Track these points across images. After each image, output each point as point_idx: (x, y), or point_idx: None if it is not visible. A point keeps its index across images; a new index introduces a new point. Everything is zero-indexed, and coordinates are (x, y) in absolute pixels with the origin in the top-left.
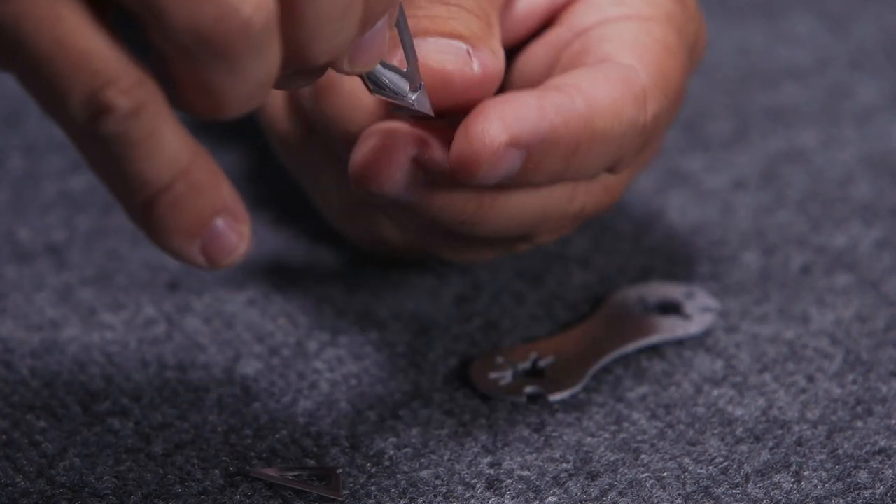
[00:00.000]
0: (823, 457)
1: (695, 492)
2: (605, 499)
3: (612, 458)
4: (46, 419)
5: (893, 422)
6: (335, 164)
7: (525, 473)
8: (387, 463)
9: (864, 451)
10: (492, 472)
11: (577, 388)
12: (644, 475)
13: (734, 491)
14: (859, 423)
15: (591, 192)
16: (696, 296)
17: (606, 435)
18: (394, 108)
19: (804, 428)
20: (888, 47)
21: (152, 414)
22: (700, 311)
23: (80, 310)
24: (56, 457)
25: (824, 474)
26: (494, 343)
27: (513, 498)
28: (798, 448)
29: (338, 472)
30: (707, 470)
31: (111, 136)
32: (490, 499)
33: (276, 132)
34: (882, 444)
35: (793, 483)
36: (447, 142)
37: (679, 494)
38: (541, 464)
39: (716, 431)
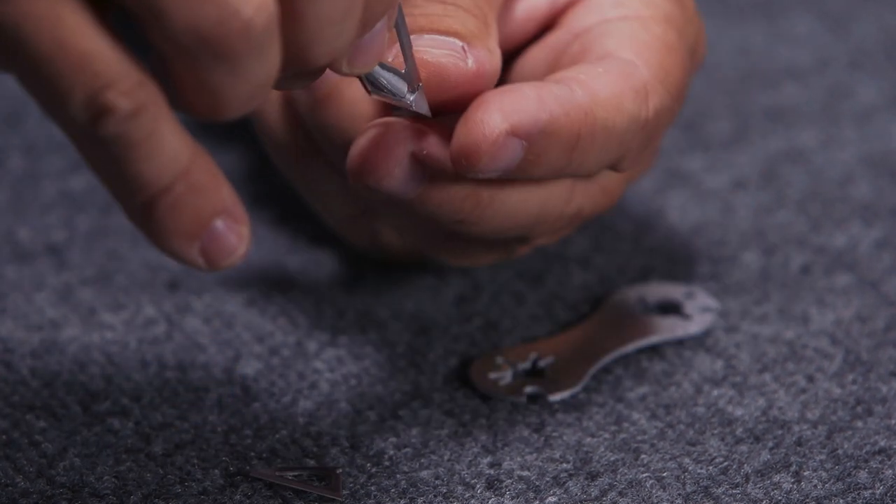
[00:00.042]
0: (823, 457)
1: (695, 492)
2: (605, 499)
3: (612, 458)
4: (46, 419)
5: (893, 422)
6: (334, 174)
7: (525, 473)
8: (387, 463)
9: (864, 451)
10: (492, 472)
11: (577, 388)
12: (644, 475)
13: (734, 491)
14: (859, 423)
15: (589, 193)
16: (696, 296)
17: (606, 435)
18: (392, 110)
19: (804, 428)
20: (888, 47)
21: (152, 414)
22: (700, 311)
23: (80, 310)
24: (56, 457)
25: (824, 474)
26: (494, 343)
27: (513, 498)
28: (798, 448)
29: (338, 472)
30: (707, 470)
31: (111, 138)
32: (490, 499)
33: (274, 142)
34: (882, 444)
35: (793, 483)
36: (445, 138)
37: (679, 494)
38: (541, 464)
39: (716, 431)
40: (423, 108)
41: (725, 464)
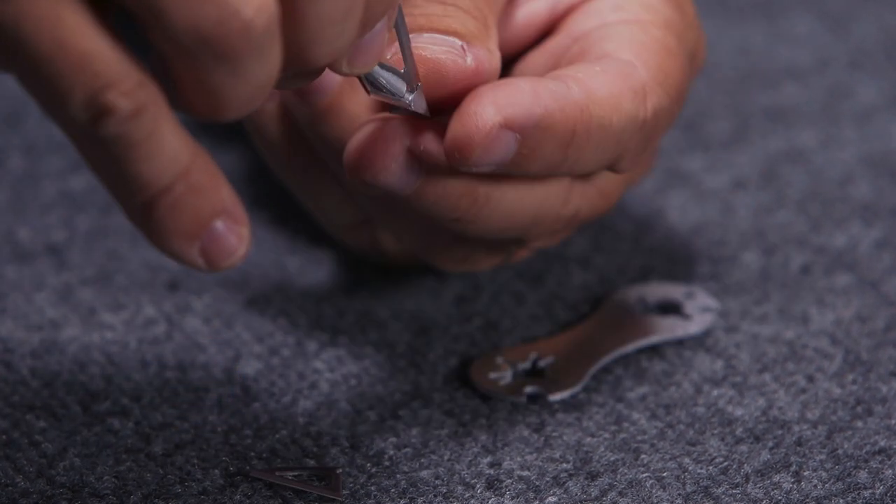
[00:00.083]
0: (823, 457)
1: (695, 492)
2: (605, 499)
3: (612, 458)
4: (46, 419)
5: (893, 422)
6: (335, 184)
7: (525, 473)
8: (387, 463)
9: (864, 451)
10: (492, 472)
11: (577, 388)
12: (644, 475)
13: (734, 491)
14: (859, 423)
15: (587, 195)
16: (696, 296)
17: (606, 435)
18: (391, 110)
19: (804, 428)
20: (888, 47)
21: (152, 414)
22: (700, 311)
23: (80, 310)
24: (56, 457)
25: (824, 474)
26: (494, 343)
27: (513, 498)
28: (798, 448)
29: (338, 472)
30: (707, 470)
31: (111, 138)
32: (490, 499)
33: (274, 153)
34: (882, 444)
35: (793, 483)
36: (441, 135)
37: (679, 494)
38: (541, 464)
39: (716, 431)
40: (422, 108)
41: (725, 464)
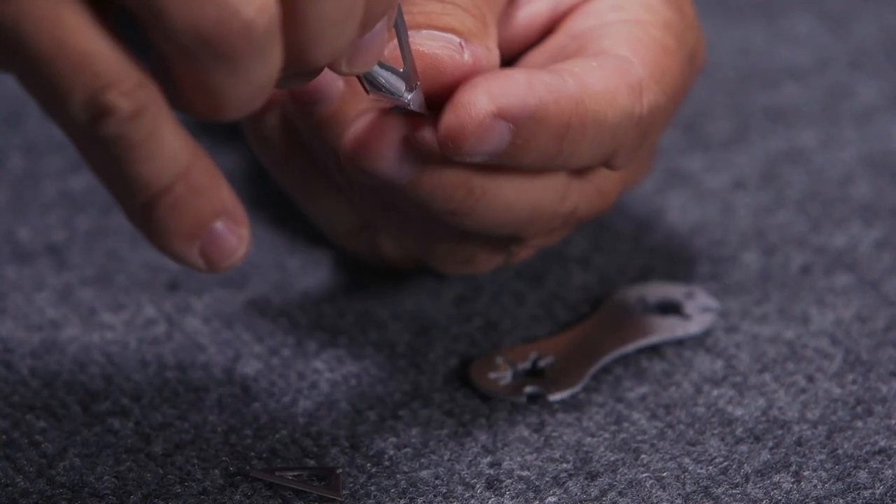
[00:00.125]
0: (823, 457)
1: (695, 492)
2: (604, 499)
3: (612, 458)
4: (46, 419)
5: (893, 422)
6: (335, 191)
7: (525, 473)
8: (387, 463)
9: (864, 451)
10: (492, 472)
11: (577, 388)
12: (644, 475)
13: (734, 491)
14: (859, 423)
15: (584, 192)
16: (696, 296)
17: (606, 435)
18: (392, 112)
19: (804, 428)
20: (888, 47)
21: (152, 414)
22: (700, 311)
23: (80, 310)
24: (56, 457)
25: (824, 474)
26: (494, 343)
27: (513, 498)
28: (798, 448)
29: (338, 472)
30: (707, 470)
31: (111, 138)
32: (490, 499)
33: (274, 158)
34: (882, 444)
35: (793, 483)
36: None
37: (679, 494)
38: (541, 464)
39: (716, 431)
40: (421, 107)
41: (725, 464)
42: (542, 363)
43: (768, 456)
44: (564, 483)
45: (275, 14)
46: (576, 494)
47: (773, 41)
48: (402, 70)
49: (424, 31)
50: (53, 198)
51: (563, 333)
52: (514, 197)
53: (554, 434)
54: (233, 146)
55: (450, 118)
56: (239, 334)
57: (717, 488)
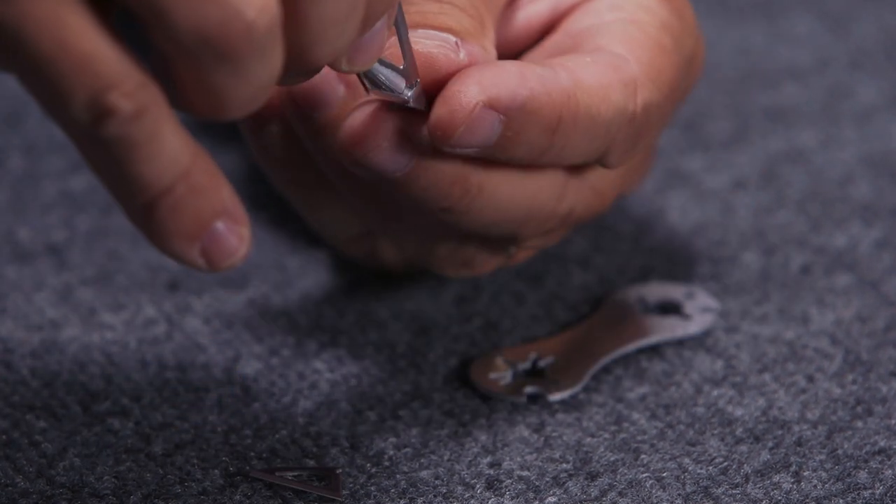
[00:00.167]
0: (823, 457)
1: (695, 492)
2: (604, 499)
3: (612, 459)
4: (46, 419)
5: (893, 422)
6: (335, 197)
7: (525, 473)
8: (387, 463)
9: (863, 451)
10: (492, 472)
11: (577, 388)
12: (644, 475)
13: (734, 491)
14: (859, 423)
15: (581, 193)
16: (696, 296)
17: (606, 435)
18: (389, 106)
19: (804, 428)
20: (888, 47)
21: (152, 414)
22: (700, 311)
23: (80, 310)
24: (56, 457)
25: (824, 474)
26: (494, 343)
27: (513, 498)
28: (798, 448)
29: (337, 472)
30: (707, 470)
31: (113, 139)
32: (490, 499)
33: (273, 164)
34: (882, 444)
35: (792, 483)
36: None
37: (679, 494)
38: (541, 464)
39: (716, 431)
40: (421, 105)
41: (725, 464)
42: (542, 363)
43: (768, 456)
44: (564, 483)
45: (276, 14)
46: (576, 495)
47: (773, 41)
48: (401, 67)
49: (421, 31)
50: (53, 198)
51: (563, 333)
52: (510, 195)
53: (554, 434)
54: (233, 146)
55: (440, 108)
56: (239, 334)
57: (717, 488)
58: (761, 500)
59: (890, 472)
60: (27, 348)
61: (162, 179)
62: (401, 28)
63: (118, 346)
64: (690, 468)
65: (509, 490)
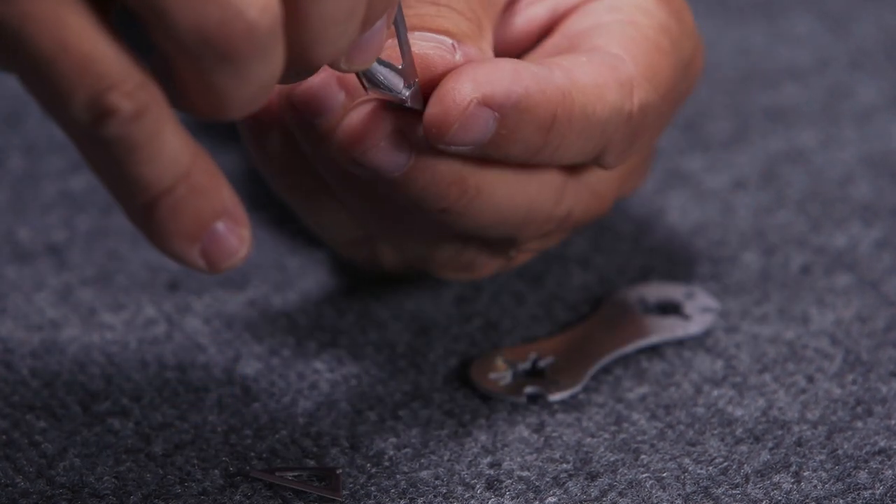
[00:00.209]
0: (823, 457)
1: (695, 492)
2: (604, 499)
3: (612, 459)
4: (46, 419)
5: (893, 422)
6: (335, 202)
7: (525, 474)
8: (387, 463)
9: (863, 451)
10: (492, 472)
11: (577, 389)
12: (644, 475)
13: (734, 491)
14: (859, 424)
15: (579, 195)
16: (696, 296)
17: (606, 435)
18: (387, 106)
19: (804, 428)
20: (888, 47)
21: (152, 414)
22: (700, 311)
23: (80, 310)
24: (56, 457)
25: (824, 475)
26: (494, 343)
27: (513, 498)
28: (798, 448)
29: (338, 472)
30: (707, 470)
31: (113, 139)
32: (490, 499)
33: (273, 169)
34: (882, 444)
35: (793, 483)
36: None
37: (679, 495)
38: (541, 464)
39: (716, 432)
40: (419, 105)
41: (725, 464)
42: (542, 363)
43: (768, 456)
44: (564, 483)
45: (278, 15)
46: (576, 495)
47: (773, 41)
48: (400, 67)
49: (418, 33)
50: (53, 198)
51: (563, 333)
52: (508, 197)
53: (554, 434)
54: (233, 146)
55: (434, 105)
56: (239, 334)
57: (717, 489)
58: (761, 501)
59: (890, 472)
60: (27, 348)
61: (162, 180)
62: (400, 28)
63: (118, 346)
64: (690, 468)
65: (509, 490)
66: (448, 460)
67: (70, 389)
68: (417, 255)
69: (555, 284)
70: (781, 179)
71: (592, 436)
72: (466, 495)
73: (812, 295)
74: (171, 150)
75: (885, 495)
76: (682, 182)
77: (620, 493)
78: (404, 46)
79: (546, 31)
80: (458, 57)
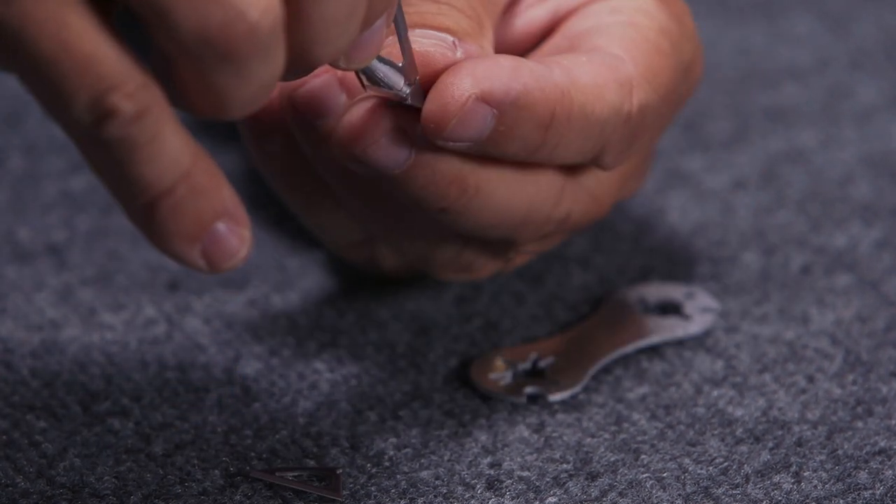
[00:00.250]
0: (823, 457)
1: (695, 492)
2: (605, 499)
3: (612, 459)
4: (46, 419)
5: (893, 422)
6: (336, 204)
7: (525, 474)
8: (387, 463)
9: (864, 451)
10: (492, 472)
11: (577, 389)
12: (644, 476)
13: (734, 491)
14: (859, 424)
15: (578, 197)
16: (696, 296)
17: (606, 435)
18: (388, 104)
19: (804, 428)
20: (888, 47)
21: (152, 414)
22: (700, 311)
23: (80, 310)
24: (56, 457)
25: (824, 475)
26: (494, 343)
27: (513, 498)
28: (798, 448)
29: (338, 472)
30: (707, 470)
31: (114, 140)
32: (490, 499)
33: (274, 171)
34: (882, 444)
35: (793, 483)
36: None
37: (679, 495)
38: (541, 464)
39: (716, 432)
40: (419, 102)
41: (725, 464)
42: (542, 363)
43: (768, 456)
44: (565, 483)
45: (279, 15)
46: (576, 495)
47: (773, 41)
48: (400, 64)
49: (418, 31)
50: (54, 198)
51: (563, 333)
52: (507, 197)
53: (554, 434)
54: (233, 146)
55: (433, 100)
56: (239, 334)
57: (717, 489)
58: (761, 501)
59: (890, 472)
60: (27, 348)
61: (163, 180)
62: (400, 26)
63: (118, 346)
64: (691, 468)
65: (509, 490)
66: (448, 460)
67: (70, 389)
68: (417, 257)
69: (555, 284)
70: (781, 179)
71: (592, 436)
72: (466, 495)
73: (812, 295)
74: (171, 150)
75: (886, 495)
76: (682, 182)
77: (621, 494)
78: (404, 44)
79: (547, 32)
80: (459, 54)
